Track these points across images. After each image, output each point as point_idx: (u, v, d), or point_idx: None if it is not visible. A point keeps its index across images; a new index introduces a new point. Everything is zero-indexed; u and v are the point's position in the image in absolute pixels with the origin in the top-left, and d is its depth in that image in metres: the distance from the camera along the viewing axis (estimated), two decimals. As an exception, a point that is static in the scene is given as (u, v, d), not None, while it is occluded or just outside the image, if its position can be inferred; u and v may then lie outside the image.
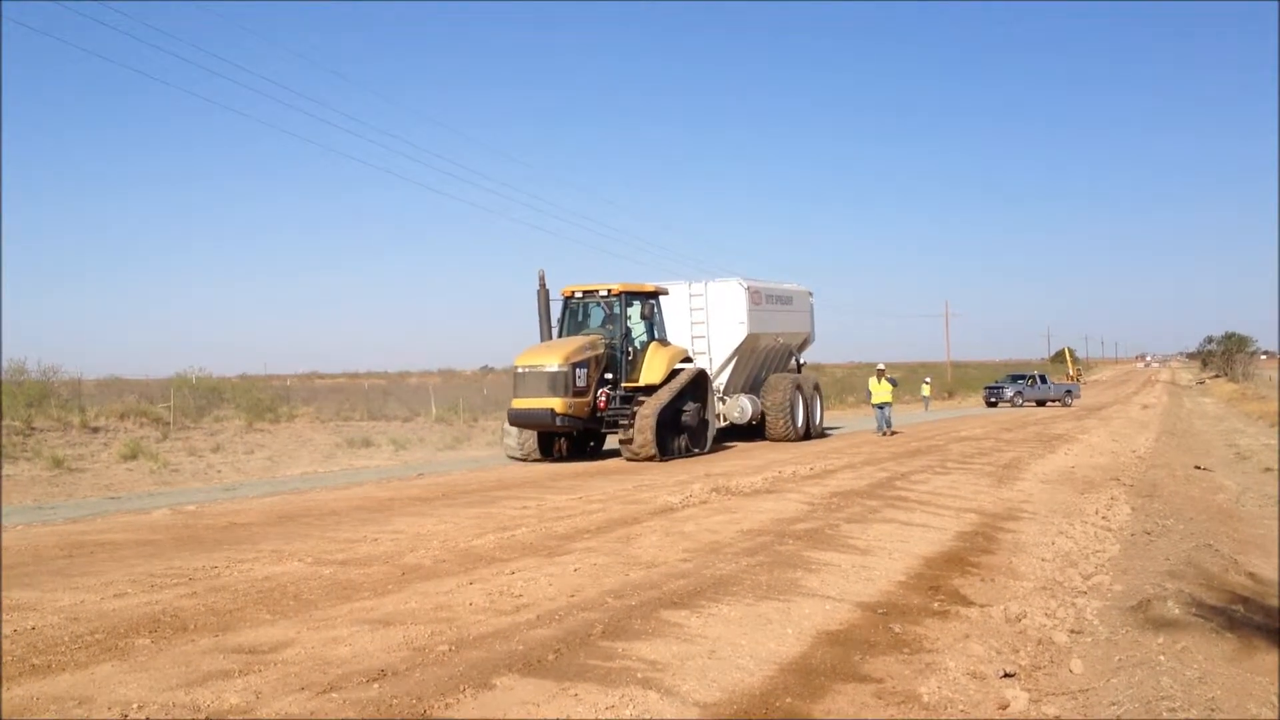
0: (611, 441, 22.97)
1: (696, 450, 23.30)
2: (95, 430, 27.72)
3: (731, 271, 27.23)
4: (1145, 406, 52.19)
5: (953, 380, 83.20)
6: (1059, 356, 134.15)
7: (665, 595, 8.28)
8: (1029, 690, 6.57)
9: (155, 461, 23.46)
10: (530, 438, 22.27)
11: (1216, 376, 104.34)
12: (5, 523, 13.43)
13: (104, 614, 7.57)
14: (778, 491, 15.14)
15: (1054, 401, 53.83)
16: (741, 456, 22.52)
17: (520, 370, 21.70)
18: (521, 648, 6.68)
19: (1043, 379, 56.60)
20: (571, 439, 23.08)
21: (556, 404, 20.93)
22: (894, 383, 31.74)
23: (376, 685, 5.90)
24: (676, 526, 11.75)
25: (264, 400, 35.70)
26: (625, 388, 22.48)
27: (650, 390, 22.31)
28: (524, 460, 22.09)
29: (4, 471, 21.21)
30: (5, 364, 30.39)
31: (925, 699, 6.24)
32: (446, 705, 5.62)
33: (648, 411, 21.47)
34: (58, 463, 22.15)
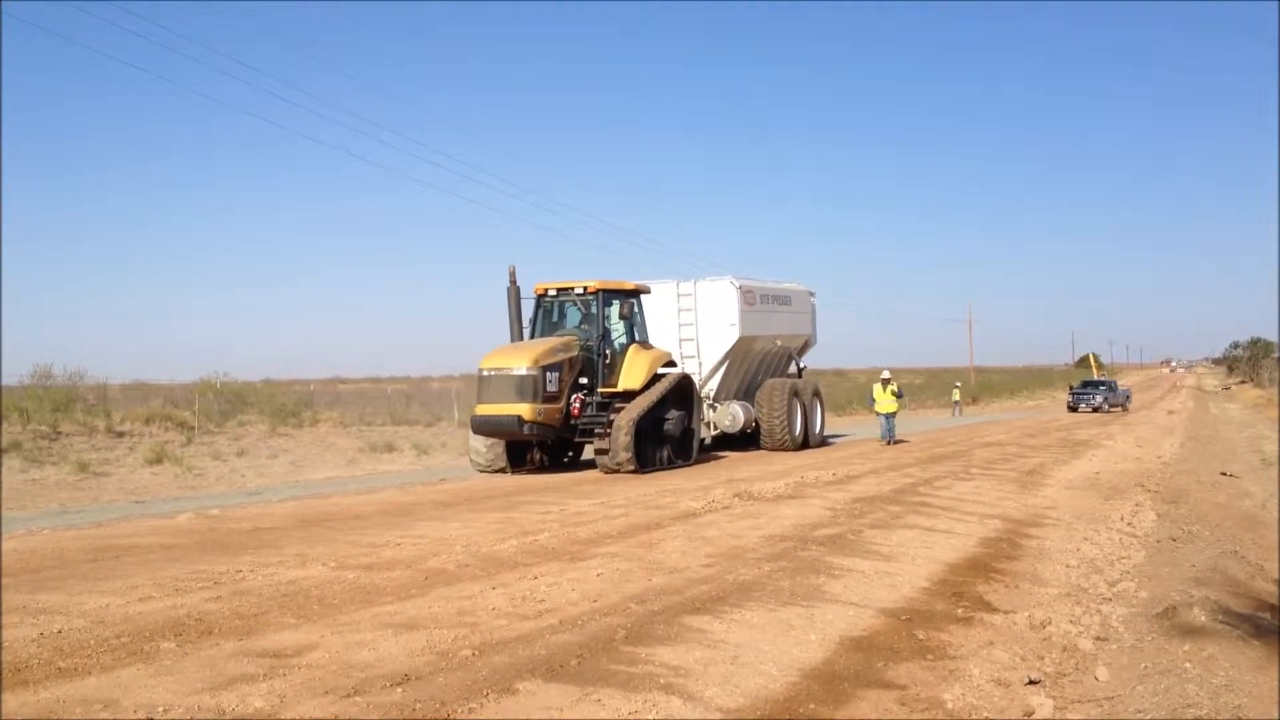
0: (591, 452, 21.04)
1: (681, 462, 21.66)
2: (120, 435, 27.90)
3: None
4: (1170, 412, 51.86)
5: (976, 385, 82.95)
6: (1083, 362, 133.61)
7: (688, 601, 8.27)
8: (1054, 697, 6.54)
9: (180, 466, 23.63)
10: (498, 447, 20.66)
11: (1243, 382, 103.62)
12: (32, 527, 13.53)
13: (129, 617, 7.61)
14: (800, 497, 15.11)
15: (1117, 407, 53.69)
16: (761, 462, 22.44)
17: (485, 373, 20.02)
18: (544, 652, 6.69)
19: (1113, 386, 56.85)
20: (547, 448, 21.55)
21: (524, 410, 19.28)
22: (900, 394, 29.40)
23: (400, 689, 5.91)
24: (699, 532, 11.73)
25: (288, 405, 35.81)
26: (602, 393, 20.74)
27: (629, 396, 20.60)
28: (491, 471, 20.63)
29: (30, 476, 21.37)
30: (31, 369, 30.63)
31: (949, 706, 6.21)
32: (470, 710, 5.64)
33: (625, 419, 19.78)
34: (83, 467, 22.33)
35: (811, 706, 6.00)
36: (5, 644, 6.81)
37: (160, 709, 5.54)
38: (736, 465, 21.62)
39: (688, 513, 13.37)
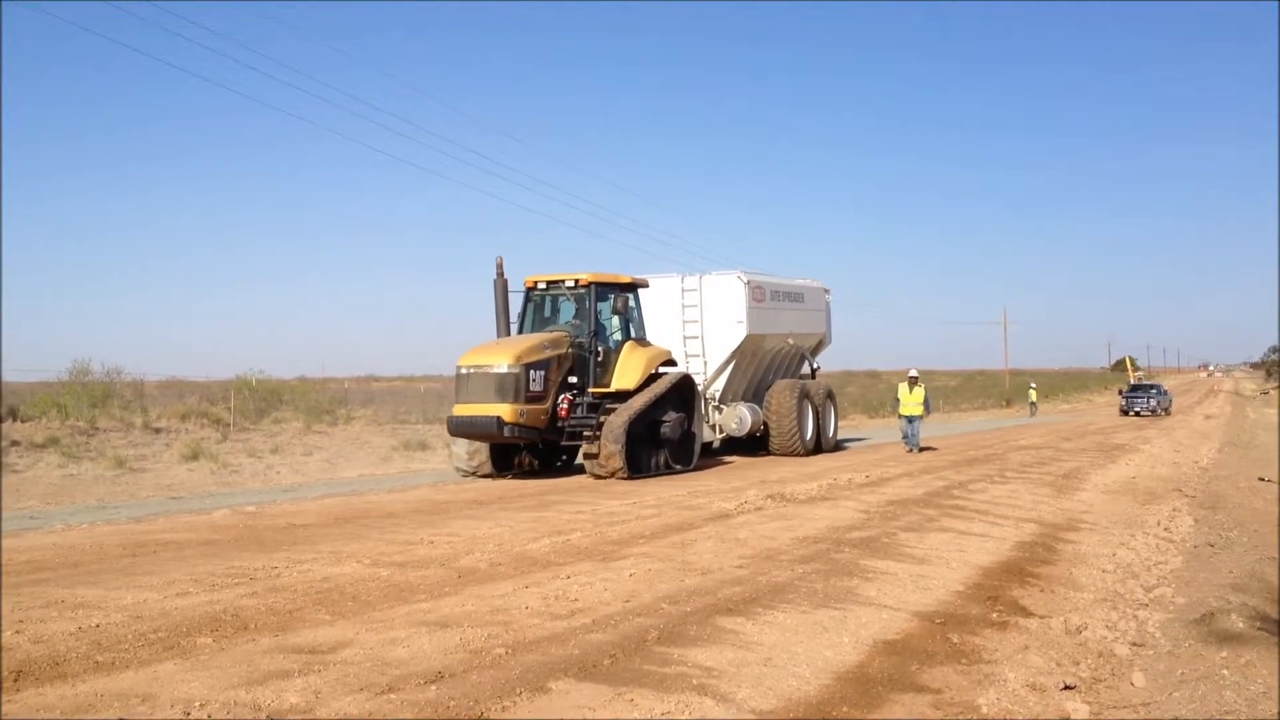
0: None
1: (679, 467, 20.40)
2: (157, 431, 28.11)
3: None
4: (1208, 417, 51.41)
5: (1011, 389, 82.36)
6: (1119, 365, 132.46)
7: (721, 602, 8.26)
8: (1090, 703, 6.49)
9: (215, 462, 23.79)
10: (481, 450, 19.36)
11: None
12: (70, 522, 13.67)
13: (166, 612, 7.67)
14: (833, 499, 15.07)
15: (1164, 411, 53.55)
16: (793, 464, 22.35)
17: (463, 371, 18.70)
18: (577, 652, 6.70)
19: (1161, 390, 56.86)
20: (537, 452, 20.32)
21: (504, 411, 17.93)
22: (928, 405, 27.10)
23: (434, 687, 5.93)
24: (731, 533, 11.72)
25: (322, 403, 35.98)
26: (593, 394, 19.48)
27: (623, 397, 19.43)
28: (474, 476, 19.41)
29: (68, 471, 21.59)
30: (69, 364, 30.91)
31: (984, 710, 6.17)
32: (503, 708, 5.65)
33: (617, 421, 18.60)
34: (120, 463, 22.52)
35: (845, 709, 5.98)
36: (44, 638, 6.89)
37: (197, 704, 5.58)
38: (768, 467, 21.52)
39: (720, 514, 13.36)
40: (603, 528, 12.09)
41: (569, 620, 7.53)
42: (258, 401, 34.53)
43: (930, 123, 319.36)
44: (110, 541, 11.35)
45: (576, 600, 8.18)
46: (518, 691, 5.89)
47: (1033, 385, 63.03)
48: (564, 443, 19.76)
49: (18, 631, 7.04)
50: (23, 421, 25.82)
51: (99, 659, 6.44)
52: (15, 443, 22.96)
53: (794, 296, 26.36)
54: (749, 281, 23.89)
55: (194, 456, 24.37)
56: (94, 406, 28.03)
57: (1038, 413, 57.59)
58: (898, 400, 26.95)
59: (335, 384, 50.55)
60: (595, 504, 14.47)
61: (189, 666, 6.27)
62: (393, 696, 5.76)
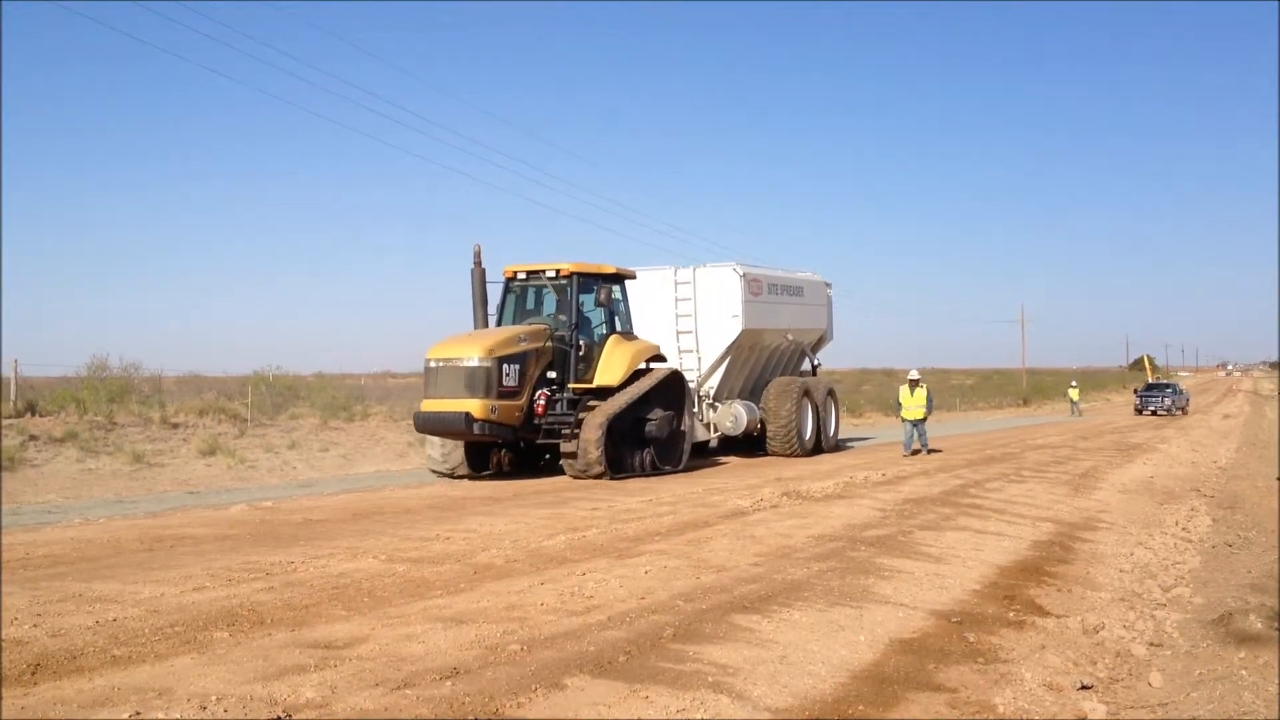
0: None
1: (667, 468, 19.49)
2: (175, 426, 28.17)
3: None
4: (1226, 416, 51.21)
5: (1028, 387, 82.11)
6: (1137, 364, 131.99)
7: (736, 599, 8.25)
8: (1107, 703, 6.46)
9: (233, 458, 23.88)
10: (455, 448, 18.49)
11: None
12: (88, 516, 13.74)
13: (183, 607, 7.69)
14: (849, 497, 15.04)
15: (1179, 410, 53.36)
16: (809, 463, 22.31)
17: (431, 364, 17.78)
18: (593, 649, 6.69)
19: (1177, 389, 56.71)
20: (517, 450, 19.43)
21: (474, 406, 17.01)
22: (930, 404, 25.09)
23: (449, 683, 5.93)
24: (747, 530, 11.70)
25: (339, 399, 35.98)
26: (574, 390, 18.56)
27: (606, 394, 18.51)
28: (449, 476, 18.58)
29: (86, 466, 21.70)
30: (88, 360, 31.02)
31: (1001, 710, 6.15)
32: (518, 704, 5.65)
33: (596, 419, 17.73)
34: (138, 458, 22.62)
35: (861, 708, 5.96)
36: (61, 632, 6.92)
37: (213, 698, 5.59)
38: (785, 465, 21.47)
39: (736, 511, 13.34)
40: (618, 525, 12.09)
41: (584, 617, 7.53)
42: (275, 397, 34.57)
43: (948, 120, 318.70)
44: (127, 536, 11.39)
45: (592, 597, 8.17)
46: (533, 688, 5.89)
47: (1074, 384, 61.79)
48: (540, 441, 18.74)
49: (35, 625, 7.07)
50: (41, 416, 25.92)
51: (116, 653, 6.46)
52: (33, 437, 23.06)
53: (793, 290, 25.46)
54: (745, 274, 22.98)
55: (211, 452, 24.46)
56: (112, 401, 28.09)
57: (1080, 413, 56.21)
58: (899, 404, 25.33)
59: (352, 380, 50.48)
60: (611, 501, 14.47)
61: (205, 661, 6.29)
62: (408, 692, 5.77)
